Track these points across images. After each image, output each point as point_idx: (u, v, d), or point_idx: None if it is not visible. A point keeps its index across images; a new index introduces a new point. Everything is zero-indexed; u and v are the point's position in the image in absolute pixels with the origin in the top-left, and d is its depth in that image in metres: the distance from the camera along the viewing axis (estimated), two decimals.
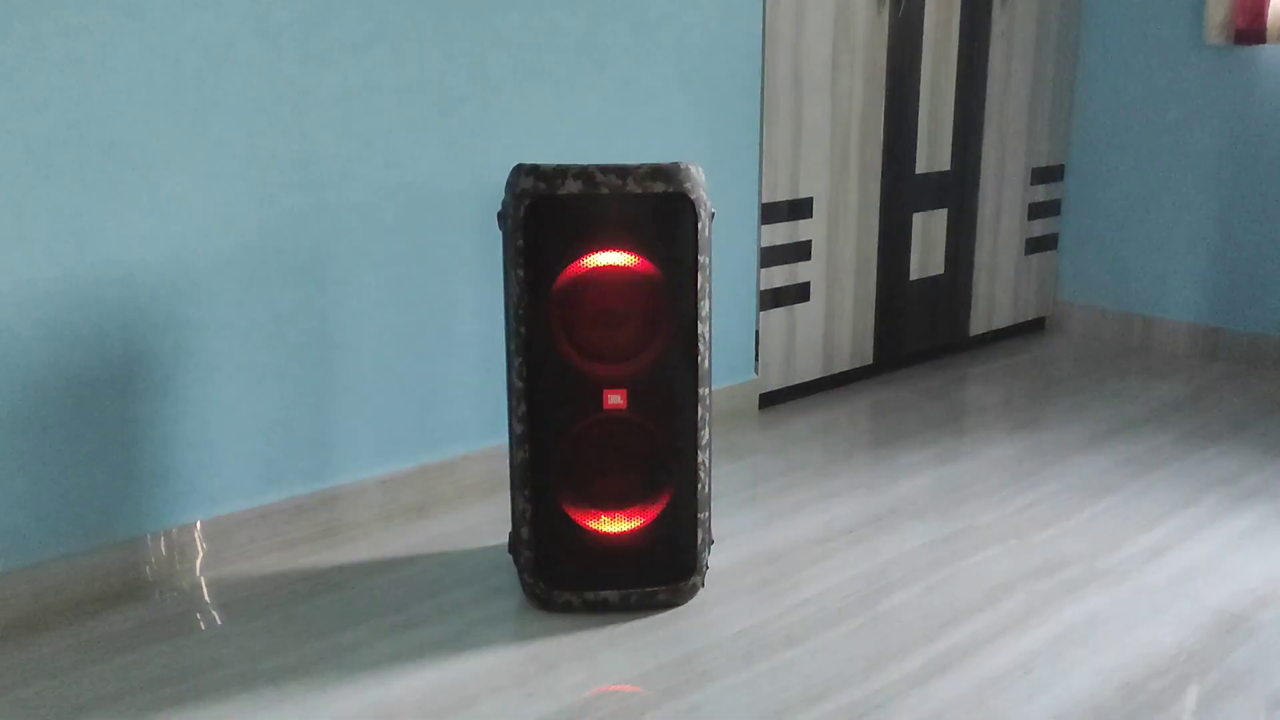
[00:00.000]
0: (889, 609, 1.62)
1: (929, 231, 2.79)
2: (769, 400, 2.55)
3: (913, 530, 1.88)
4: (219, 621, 1.59)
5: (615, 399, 1.54)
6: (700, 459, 1.58)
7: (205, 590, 1.69)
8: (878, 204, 2.64)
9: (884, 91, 2.58)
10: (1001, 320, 3.06)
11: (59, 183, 1.53)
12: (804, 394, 2.62)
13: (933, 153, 2.74)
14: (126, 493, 1.66)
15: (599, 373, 1.54)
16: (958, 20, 2.71)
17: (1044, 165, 3.05)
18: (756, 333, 2.47)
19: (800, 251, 2.50)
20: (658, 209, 1.50)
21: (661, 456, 1.58)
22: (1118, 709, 1.37)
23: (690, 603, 1.63)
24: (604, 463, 1.57)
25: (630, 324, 1.53)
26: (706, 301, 1.54)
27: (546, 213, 1.49)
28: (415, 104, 1.84)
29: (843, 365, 2.67)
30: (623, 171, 1.48)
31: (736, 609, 1.62)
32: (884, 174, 2.63)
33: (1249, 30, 2.68)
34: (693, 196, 1.50)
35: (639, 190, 1.48)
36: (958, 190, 2.83)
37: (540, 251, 1.50)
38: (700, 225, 1.51)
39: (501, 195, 1.95)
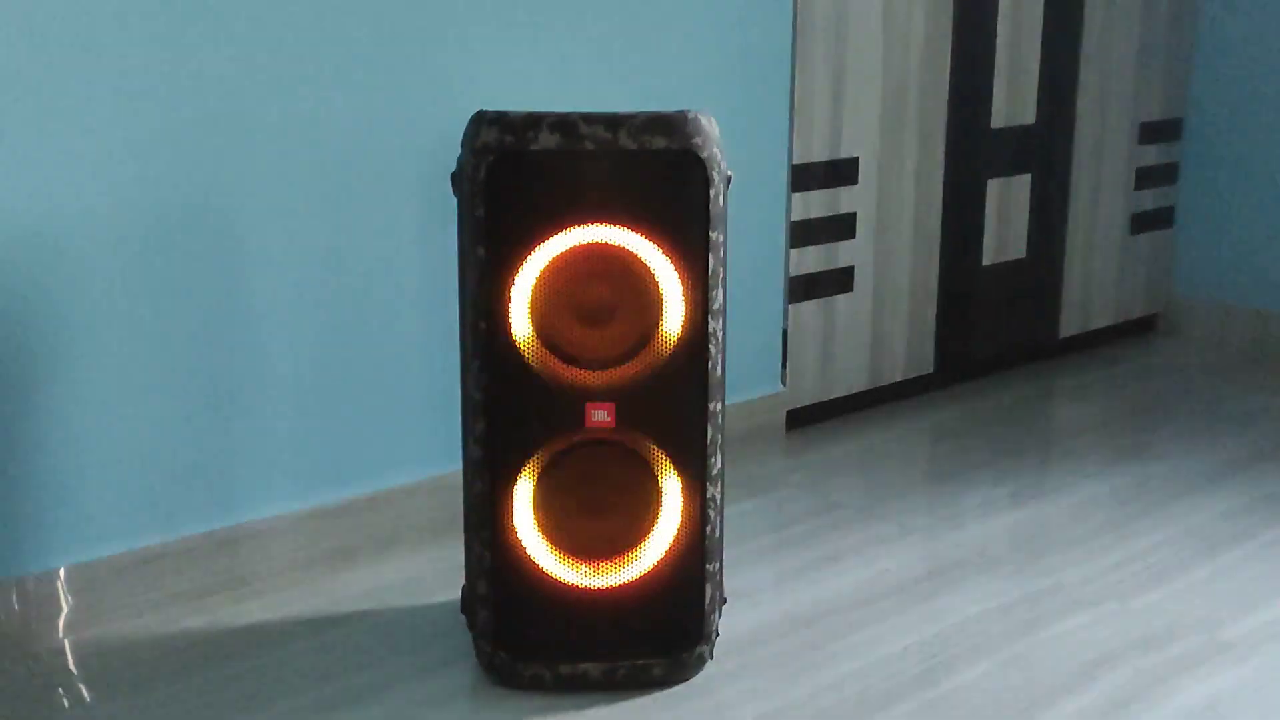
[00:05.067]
0: (951, 690, 1.61)
1: (1008, 203, 2.79)
2: (799, 419, 2.55)
3: (983, 589, 1.88)
4: (86, 699, 1.59)
5: (600, 415, 1.54)
6: (709, 494, 1.58)
7: (70, 656, 1.68)
8: (942, 167, 2.65)
9: (951, 24, 2.58)
10: (1100, 319, 3.06)
11: None
12: (844, 411, 2.62)
13: (1013, 102, 2.74)
14: None
15: (580, 381, 1.54)
16: None
17: (1156, 120, 3.06)
18: (784, 332, 2.47)
19: (842, 227, 2.50)
20: (658, 171, 1.50)
21: (659, 490, 1.57)
22: None
23: (695, 680, 1.63)
24: (585, 498, 1.57)
25: (620, 319, 1.53)
26: (720, 291, 1.54)
27: (515, 174, 1.48)
28: (345, 27, 1.84)
29: (895, 375, 2.67)
30: (613, 122, 1.48)
31: (755, 688, 1.61)
32: (950, 129, 2.64)
33: None
34: (703, 155, 1.50)
35: (634, 146, 1.48)
36: (1045, 150, 2.84)
37: (506, 224, 1.50)
38: (713, 192, 1.51)
39: (457, 152, 1.95)
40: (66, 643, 1.72)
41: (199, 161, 1.75)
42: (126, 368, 1.74)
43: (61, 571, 1.73)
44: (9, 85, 1.59)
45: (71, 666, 1.66)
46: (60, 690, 1.61)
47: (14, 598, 1.69)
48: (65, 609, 1.73)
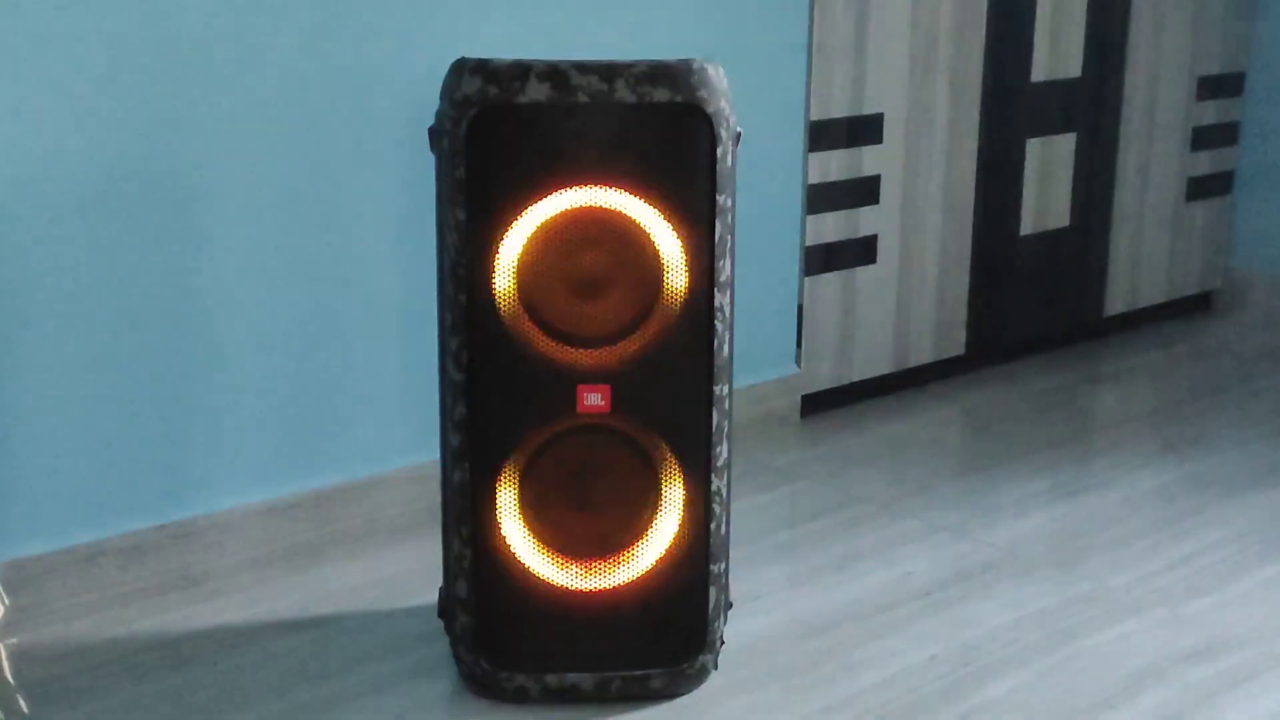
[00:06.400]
0: (981, 706, 1.62)
1: (1050, 165, 2.79)
2: (816, 405, 2.55)
3: (1018, 593, 1.88)
4: (24, 710, 1.59)
5: (594, 399, 1.54)
6: (714, 487, 1.58)
7: (5, 663, 1.68)
8: (976, 125, 2.64)
9: None
10: (1151, 295, 3.06)
11: None
12: (866, 396, 2.62)
13: (1056, 54, 2.74)
14: None
15: (572, 360, 1.54)
16: None
17: (1216, 73, 3.05)
18: (799, 308, 2.47)
19: (865, 192, 2.50)
20: (659, 126, 1.50)
21: (659, 482, 1.58)
22: None
23: (697, 693, 1.63)
24: (577, 491, 1.57)
25: (617, 291, 1.53)
26: (727, 261, 1.54)
27: (499, 129, 1.48)
28: None
29: (922, 357, 2.67)
30: (610, 71, 1.47)
31: (763, 702, 1.62)
32: (985, 83, 2.63)
33: None
34: (710, 109, 1.49)
35: (633, 99, 1.48)
36: (1092, 107, 2.83)
37: (490, 186, 1.49)
38: (720, 151, 1.51)
39: (435, 104, 1.95)
40: (2, 647, 1.72)
41: (148, 114, 1.75)
42: (66, 344, 1.74)
43: None
44: None
45: (6, 674, 1.66)
46: None
47: None
48: (1, 609, 1.74)
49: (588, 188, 1.50)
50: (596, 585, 1.59)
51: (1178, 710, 1.61)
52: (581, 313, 1.53)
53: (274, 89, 1.83)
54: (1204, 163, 3.09)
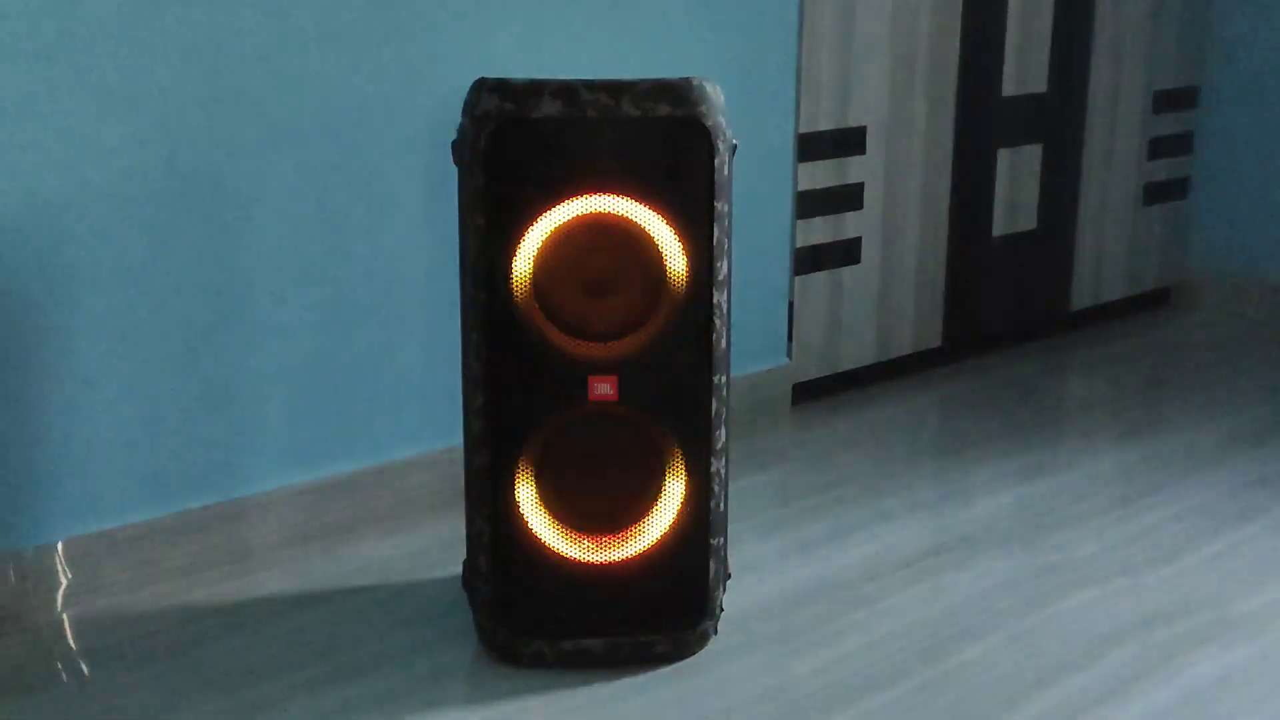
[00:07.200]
0: (958, 666, 1.62)
1: (1018, 173, 2.78)
2: (805, 393, 2.55)
3: (990, 565, 1.89)
4: (85, 672, 1.60)
5: (603, 388, 1.54)
6: (714, 468, 1.58)
7: (69, 631, 1.69)
8: (951, 136, 2.64)
9: None
10: (1113, 291, 3.06)
11: None
12: (851, 385, 2.62)
13: (1024, 71, 2.73)
14: None
15: (583, 353, 1.54)
16: None
17: (1172, 88, 3.04)
18: (790, 304, 2.47)
19: (849, 198, 2.50)
20: (662, 139, 1.50)
21: (663, 464, 1.58)
22: None
23: (699, 656, 1.64)
24: (588, 472, 1.57)
25: (624, 290, 1.53)
26: (724, 262, 1.54)
27: (516, 142, 1.48)
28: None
29: (903, 348, 2.67)
30: (616, 89, 1.47)
31: (759, 664, 1.62)
32: (959, 97, 2.63)
33: None
34: (708, 123, 1.49)
35: (637, 114, 1.48)
36: (1057, 119, 2.83)
37: (507, 194, 1.49)
38: (717, 161, 1.51)
39: (457, 119, 1.94)
40: (65, 617, 1.72)
41: (194, 131, 1.75)
42: (124, 343, 1.74)
43: (60, 545, 1.73)
44: (12, 49, 1.59)
45: (70, 640, 1.67)
46: (59, 664, 1.62)
47: (11, 571, 1.70)
48: (64, 583, 1.74)
49: (596, 195, 1.50)
50: (606, 558, 1.59)
51: (1138, 670, 1.61)
52: (591, 309, 1.53)
53: (315, 109, 1.83)
54: (1161, 170, 3.08)
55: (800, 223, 2.43)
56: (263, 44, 1.77)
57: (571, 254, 1.52)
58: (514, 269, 1.51)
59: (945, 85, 2.59)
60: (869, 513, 2.05)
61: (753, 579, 1.84)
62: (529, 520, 1.58)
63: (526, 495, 1.57)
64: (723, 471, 1.60)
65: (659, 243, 1.52)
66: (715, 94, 1.51)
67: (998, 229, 2.78)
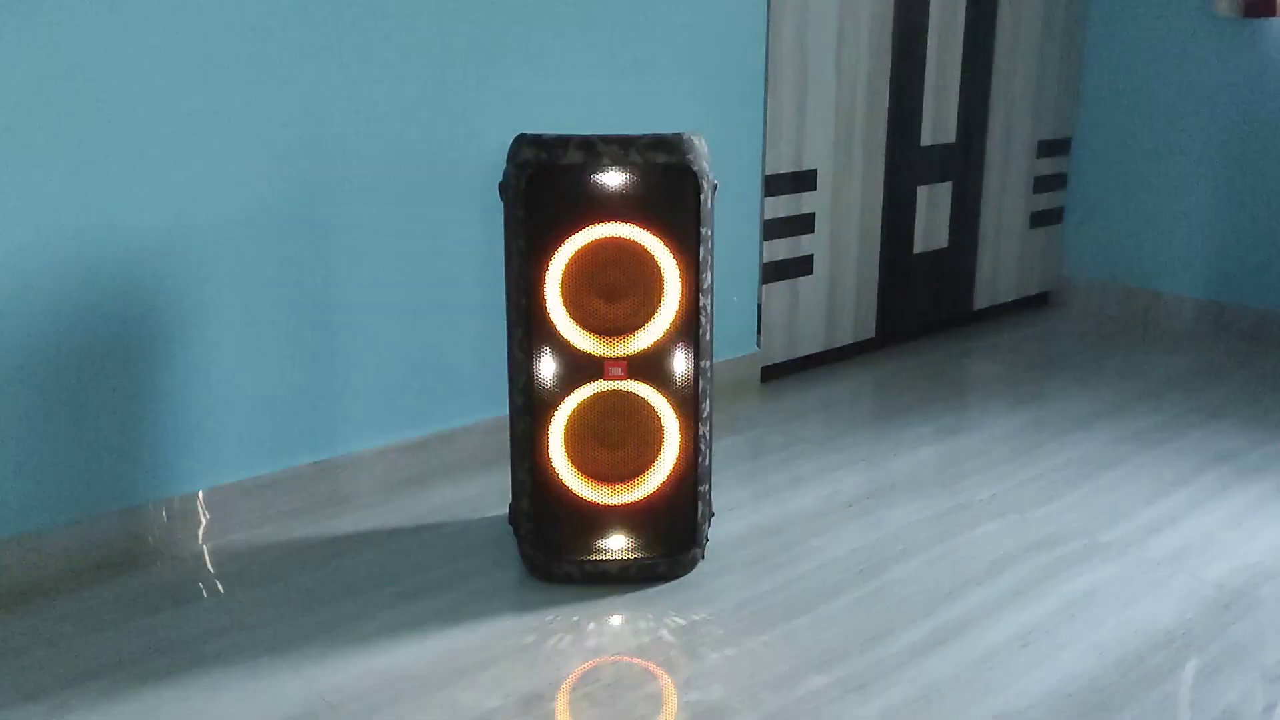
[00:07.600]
0: (889, 582, 1.62)
1: (933, 204, 2.78)
2: (771, 373, 2.55)
3: (913, 504, 1.89)
4: (220, 590, 1.60)
5: (616, 371, 1.54)
6: (701, 432, 1.58)
7: (207, 559, 1.70)
8: (882, 176, 2.63)
9: (889, 62, 2.56)
10: (1005, 295, 3.05)
11: (58, 149, 1.52)
12: (806, 367, 2.62)
13: (938, 125, 2.72)
14: (129, 462, 1.66)
15: (600, 345, 1.54)
16: None
17: (1051, 138, 3.03)
18: (759, 306, 2.46)
19: (804, 224, 2.49)
20: (660, 181, 1.50)
21: (662, 429, 1.58)
22: (1115, 683, 1.38)
23: (690, 575, 1.64)
24: (605, 435, 1.58)
25: (631, 296, 1.53)
26: (709, 274, 1.54)
27: (548, 183, 1.48)
28: (418, 74, 1.82)
29: (845, 339, 2.67)
30: (625, 142, 1.47)
31: (736, 581, 1.63)
32: (889, 146, 2.62)
33: (1259, 2, 2.66)
34: (695, 168, 1.49)
35: (641, 161, 1.48)
36: (963, 163, 2.82)
37: (541, 223, 1.50)
38: (703, 197, 1.50)
39: (503, 165, 1.94)
40: (205, 549, 1.73)
41: (303, 177, 1.75)
42: (249, 333, 1.74)
43: (200, 494, 1.74)
44: (166, 122, 1.59)
45: (209, 566, 1.67)
46: (201, 585, 1.62)
47: (164, 514, 1.70)
48: (203, 522, 1.75)
49: (610, 224, 1.50)
50: (619, 501, 1.59)
51: (1026, 585, 1.62)
52: (606, 311, 1.53)
53: (390, 159, 1.83)
54: (1043, 201, 3.07)
55: (766, 243, 2.43)
56: (355, 109, 1.77)
57: (591, 268, 1.51)
58: (546, 280, 1.51)
59: (877, 137, 2.58)
60: (820, 465, 2.05)
61: (731, 516, 1.84)
62: (560, 472, 1.58)
63: (557, 453, 1.58)
64: (708, 434, 1.60)
65: (659, 260, 1.52)
66: (700, 145, 1.50)
67: (918, 247, 2.77)
